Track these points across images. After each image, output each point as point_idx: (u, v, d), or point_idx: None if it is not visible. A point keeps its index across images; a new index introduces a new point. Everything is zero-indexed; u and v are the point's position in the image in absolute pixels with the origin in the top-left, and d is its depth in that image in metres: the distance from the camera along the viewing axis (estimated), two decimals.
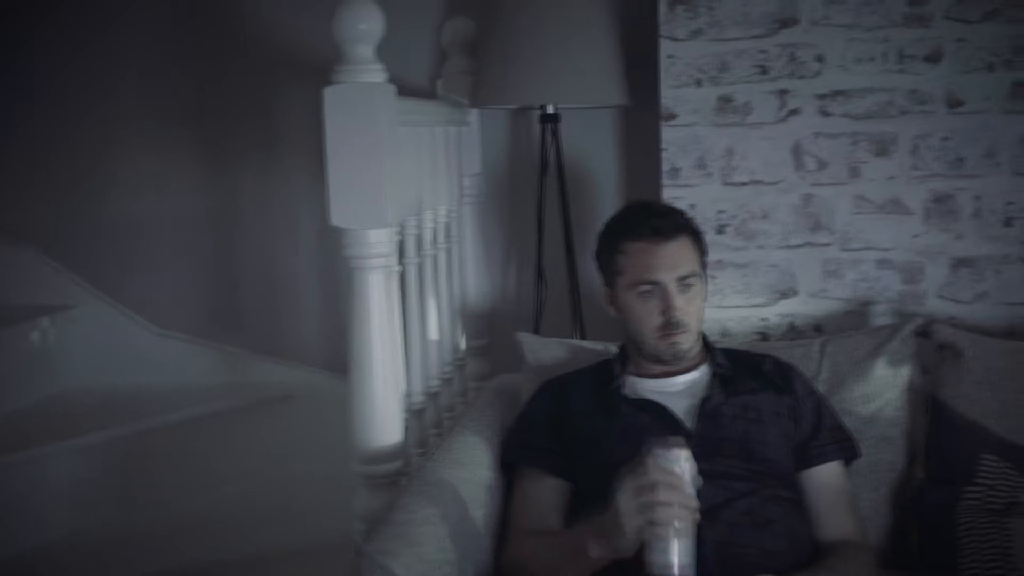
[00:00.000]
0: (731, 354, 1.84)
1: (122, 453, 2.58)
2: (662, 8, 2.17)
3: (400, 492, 1.57)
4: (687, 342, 1.71)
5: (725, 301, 2.23)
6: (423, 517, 1.42)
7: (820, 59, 2.13)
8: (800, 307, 2.20)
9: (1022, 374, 1.83)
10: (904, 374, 1.89)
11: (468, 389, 2.46)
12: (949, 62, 2.06)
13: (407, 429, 1.89)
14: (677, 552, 1.30)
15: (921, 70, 2.08)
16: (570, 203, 2.37)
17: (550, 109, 2.32)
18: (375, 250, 1.71)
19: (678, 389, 1.73)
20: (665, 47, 2.18)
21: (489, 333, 2.55)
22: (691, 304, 1.71)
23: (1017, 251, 2.08)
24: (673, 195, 2.21)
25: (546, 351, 2.02)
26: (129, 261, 2.96)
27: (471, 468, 1.65)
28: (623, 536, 1.34)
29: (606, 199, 2.44)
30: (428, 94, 2.54)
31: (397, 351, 1.79)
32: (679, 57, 2.18)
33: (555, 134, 2.34)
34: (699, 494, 1.49)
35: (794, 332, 2.20)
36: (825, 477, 1.70)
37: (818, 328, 2.18)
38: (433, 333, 2.18)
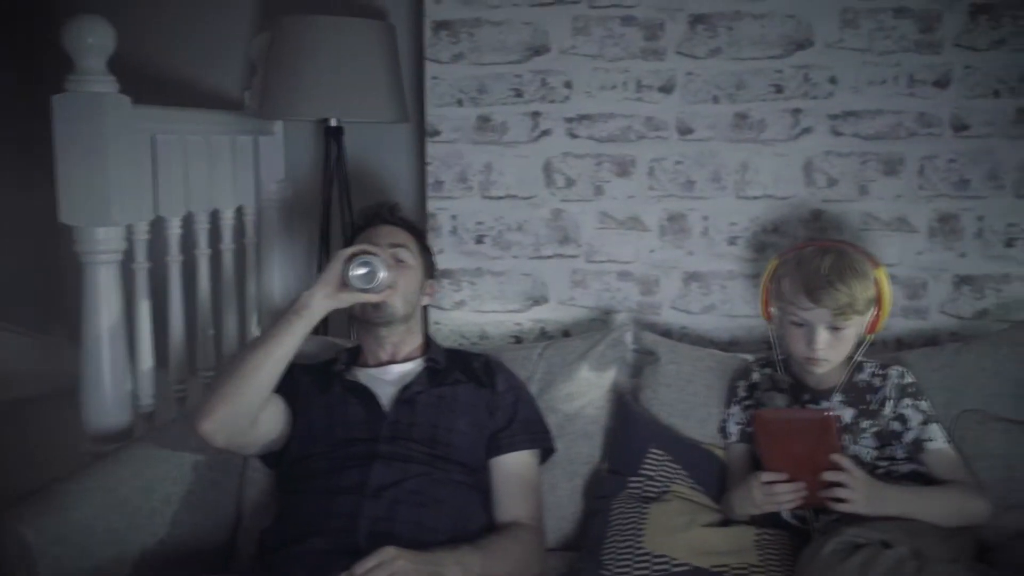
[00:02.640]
0: (451, 352, 2.00)
1: None
2: (427, 32, 2.34)
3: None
4: (392, 303, 1.85)
5: (483, 306, 2.39)
6: (85, 487, 1.56)
7: (568, 85, 2.30)
8: (551, 313, 2.37)
9: (704, 378, 2.01)
10: (609, 376, 2.07)
11: None
12: (679, 93, 2.25)
13: (152, 415, 2.04)
14: None
15: (655, 100, 2.27)
16: (354, 210, 2.53)
17: (333, 122, 2.48)
18: (104, 247, 1.86)
19: (391, 377, 1.89)
20: (430, 69, 2.35)
21: None
22: (405, 273, 1.86)
23: (740, 267, 2.27)
24: (437, 206, 2.38)
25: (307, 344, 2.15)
26: None
27: (177, 449, 1.79)
28: None
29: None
30: (236, 105, 2.70)
31: (121, 343, 1.92)
32: (443, 78, 2.35)
33: (339, 146, 2.50)
34: (372, 474, 1.69)
35: (545, 336, 2.37)
36: (512, 465, 1.87)
37: (566, 333, 2.35)
38: (207, 328, 2.33)
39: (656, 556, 1.68)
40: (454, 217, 2.38)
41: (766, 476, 1.67)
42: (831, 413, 1.61)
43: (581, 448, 2.00)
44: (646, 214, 2.31)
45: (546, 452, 1.96)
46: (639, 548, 1.69)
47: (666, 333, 2.30)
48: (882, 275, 1.85)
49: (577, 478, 1.98)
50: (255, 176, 2.59)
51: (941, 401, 1.92)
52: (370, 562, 1.51)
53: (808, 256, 1.83)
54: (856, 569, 1.47)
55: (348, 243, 1.96)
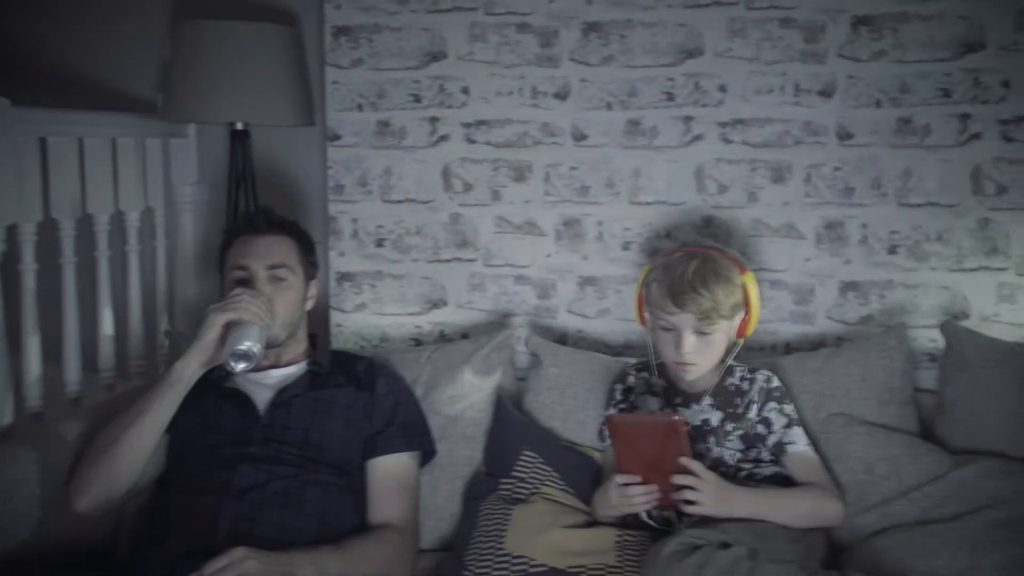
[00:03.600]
0: (336, 354, 2.03)
1: None
2: (328, 38, 2.36)
3: None
4: (272, 329, 1.88)
5: (384, 309, 2.42)
6: None
7: (466, 91, 2.33)
8: (449, 316, 2.40)
9: (585, 381, 2.04)
10: (493, 379, 2.10)
11: None
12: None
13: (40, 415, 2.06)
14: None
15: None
16: None
17: (239, 126, 2.50)
18: None
19: (272, 381, 1.92)
20: (330, 73, 2.38)
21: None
22: (281, 294, 1.89)
23: (634, 272, 2.30)
24: (338, 209, 2.41)
25: None
26: None
27: (45, 449, 1.80)
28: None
29: (298, 210, 2.62)
30: (151, 107, 2.71)
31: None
32: (343, 83, 2.37)
33: (244, 149, 2.51)
34: (238, 476, 1.70)
35: (444, 339, 2.39)
36: (387, 467, 1.89)
37: (465, 335, 2.38)
38: (107, 328, 2.34)
39: (516, 557, 1.71)
40: (355, 220, 2.40)
41: (621, 478, 1.70)
42: (678, 417, 1.64)
43: (462, 450, 2.02)
44: (542, 219, 2.34)
45: (427, 455, 1.99)
46: (500, 549, 1.72)
47: (562, 336, 2.34)
48: (749, 280, 1.88)
49: (457, 480, 2.01)
50: (164, 178, 2.60)
51: (810, 405, 1.96)
52: (219, 562, 1.53)
53: (674, 262, 1.86)
54: (691, 569, 1.50)
55: (224, 253, 1.97)
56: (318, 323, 2.43)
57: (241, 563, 1.54)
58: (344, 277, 2.41)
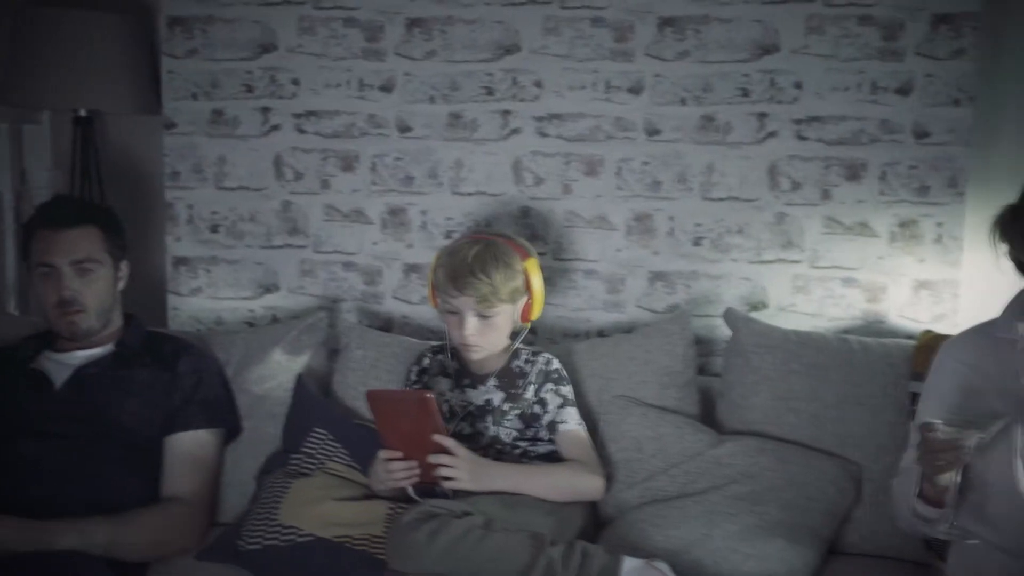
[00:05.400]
0: (151, 335, 2.09)
1: None
2: (162, 27, 2.42)
3: None
4: (84, 322, 1.96)
5: (219, 293, 2.48)
6: None
7: (296, 82, 2.40)
8: (282, 301, 2.47)
9: (388, 363, 2.13)
10: (301, 360, 2.18)
11: None
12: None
13: None
14: None
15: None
16: (107, 198, 2.60)
17: (83, 113, 2.55)
18: None
19: (75, 361, 1.98)
20: (166, 63, 2.44)
21: None
22: (89, 286, 1.95)
23: None
24: (174, 195, 2.47)
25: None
26: None
27: None
28: None
29: (141, 196, 2.68)
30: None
31: None
32: (178, 73, 2.43)
33: (88, 136, 2.57)
34: (19, 448, 1.76)
35: (277, 323, 2.46)
36: (183, 443, 1.96)
37: (296, 318, 2.45)
38: None
39: (286, 527, 1.78)
40: (190, 207, 2.46)
41: (383, 453, 1.78)
42: (428, 394, 1.72)
43: (267, 428, 2.09)
44: (369, 208, 2.41)
45: (233, 432, 2.06)
46: (273, 520, 1.80)
47: (388, 322, 2.42)
48: (531, 267, 1.97)
49: (261, 457, 2.08)
50: (11, 165, 2.65)
51: (596, 387, 2.05)
52: None
53: (458, 247, 1.95)
54: (425, 536, 1.58)
55: (27, 246, 1.98)
56: (155, 306, 2.51)
57: None
58: (180, 262, 2.48)
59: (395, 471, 1.76)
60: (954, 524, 1.57)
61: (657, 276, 2.33)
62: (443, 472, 1.73)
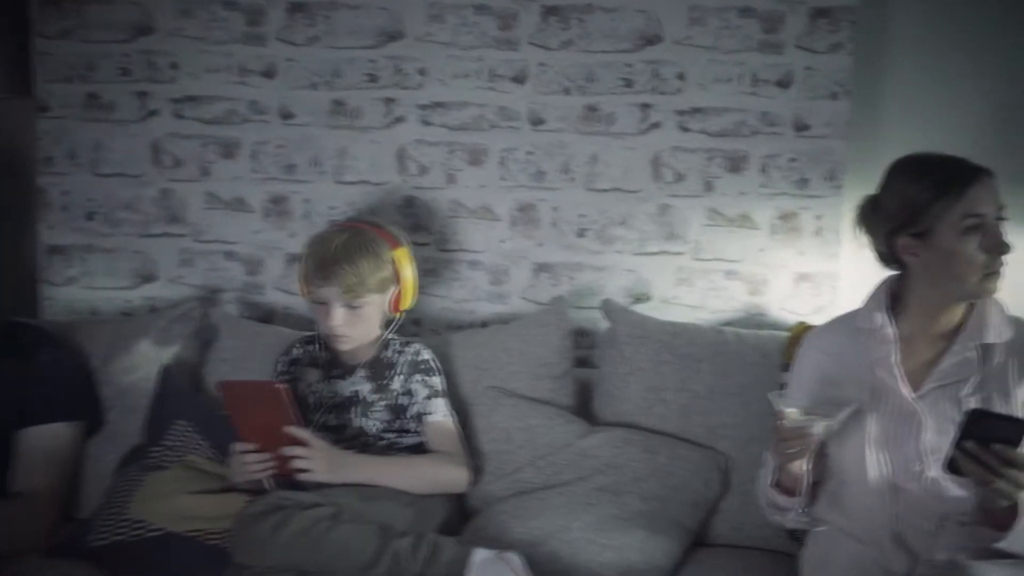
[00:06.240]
0: (7, 325, 2.01)
1: None
2: (34, 7, 2.34)
3: None
4: None
5: (95, 283, 2.41)
6: None
7: (175, 66, 2.34)
8: (160, 291, 2.40)
9: (260, 353, 2.07)
10: (170, 351, 2.12)
11: None
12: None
13: None
14: None
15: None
16: None
17: None
18: None
19: None
20: (38, 44, 2.35)
21: None
22: None
23: None
24: (48, 181, 2.39)
25: None
26: None
27: None
28: None
29: (13, 182, 2.58)
30: None
31: None
32: (51, 54, 2.35)
33: None
34: None
35: (156, 313, 2.39)
36: (36, 436, 1.91)
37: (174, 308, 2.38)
38: None
39: (136, 521, 1.73)
40: (65, 193, 2.39)
41: (238, 446, 1.73)
42: (280, 385, 1.68)
43: (131, 420, 2.03)
44: (251, 196, 2.36)
45: (94, 425, 1.99)
46: (123, 514, 1.74)
47: (270, 312, 2.36)
48: (401, 256, 1.93)
49: (123, 450, 2.01)
50: None
51: (471, 378, 2.03)
52: None
53: (325, 236, 1.90)
54: (269, 528, 1.54)
55: None
56: (26, 295, 2.42)
57: None
58: (54, 250, 2.40)
59: (249, 464, 1.71)
60: (803, 511, 1.57)
61: (541, 267, 2.31)
62: (298, 464, 1.68)
